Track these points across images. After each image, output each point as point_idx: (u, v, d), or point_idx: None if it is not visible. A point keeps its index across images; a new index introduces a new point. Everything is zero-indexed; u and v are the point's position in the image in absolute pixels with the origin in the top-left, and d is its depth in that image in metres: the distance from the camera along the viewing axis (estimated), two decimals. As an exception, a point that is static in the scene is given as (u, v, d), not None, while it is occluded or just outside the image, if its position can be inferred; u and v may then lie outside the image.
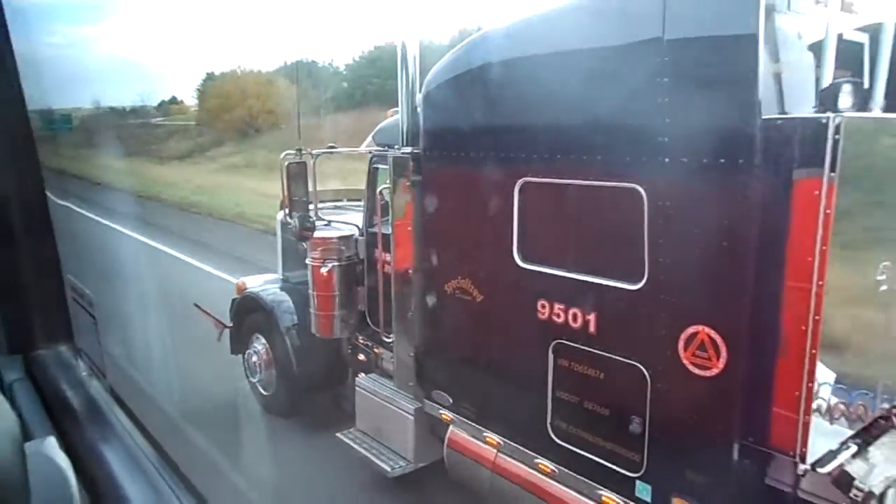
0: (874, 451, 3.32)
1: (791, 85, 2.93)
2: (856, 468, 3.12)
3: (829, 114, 2.54)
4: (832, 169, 2.54)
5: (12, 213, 2.08)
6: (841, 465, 3.10)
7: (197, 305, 7.16)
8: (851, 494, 3.05)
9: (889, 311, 3.13)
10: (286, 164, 5.20)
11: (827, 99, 2.57)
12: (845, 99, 2.56)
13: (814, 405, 2.90)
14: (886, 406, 3.53)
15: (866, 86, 4.17)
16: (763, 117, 2.63)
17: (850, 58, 3.90)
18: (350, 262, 5.61)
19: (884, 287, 3.06)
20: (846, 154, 2.61)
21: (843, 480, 3.09)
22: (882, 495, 3.14)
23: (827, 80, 2.99)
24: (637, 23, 2.96)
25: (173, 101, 45.78)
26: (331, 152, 5.67)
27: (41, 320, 2.21)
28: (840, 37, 3.90)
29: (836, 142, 2.52)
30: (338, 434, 5.61)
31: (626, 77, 3.02)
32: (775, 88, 2.84)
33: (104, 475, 1.52)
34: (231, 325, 7.11)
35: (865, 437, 3.35)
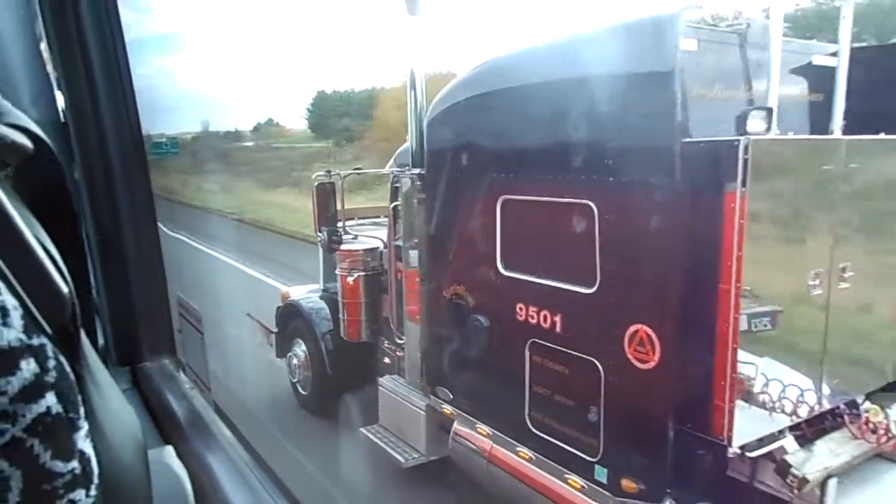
0: (821, 443, 3.59)
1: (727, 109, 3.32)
2: (795, 457, 3.42)
3: (740, 136, 2.92)
4: (744, 184, 2.92)
5: (125, 235, 2.15)
6: (782, 453, 3.42)
7: (249, 314, 7.92)
8: (788, 480, 3.36)
9: (823, 312, 3.42)
10: (316, 184, 5.85)
11: (740, 123, 2.95)
12: (756, 123, 2.92)
13: (751, 396, 3.25)
14: (843, 404, 3.80)
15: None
16: (684, 140, 3.03)
17: (823, 81, 4.23)
18: (375, 273, 6.20)
19: (817, 291, 3.37)
20: (771, 171, 2.99)
21: (781, 467, 3.40)
22: (823, 484, 3.43)
23: (773, 102, 3.37)
24: (585, 60, 3.43)
25: (270, 123, 44.77)
26: (358, 173, 6.30)
27: (147, 334, 2.26)
28: (810, 63, 4.26)
29: (745, 160, 2.90)
30: (362, 429, 6.17)
31: (578, 107, 3.48)
32: (704, 114, 3.24)
33: (212, 485, 1.55)
34: (276, 331, 7.82)
35: (815, 429, 3.63)
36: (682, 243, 3.12)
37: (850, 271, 3.48)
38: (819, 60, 4.23)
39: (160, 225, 2.30)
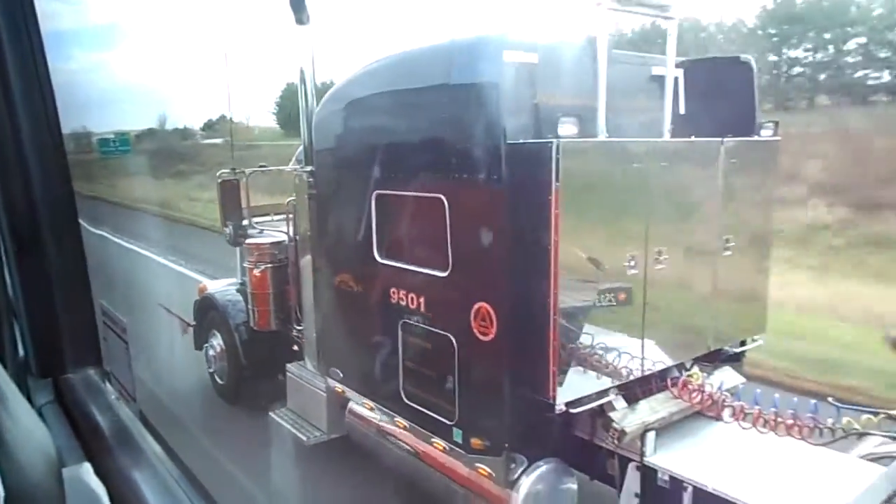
0: (644, 402, 4.17)
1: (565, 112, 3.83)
2: (618, 413, 3.99)
3: (552, 139, 3.44)
4: (557, 179, 3.44)
5: (45, 237, 2.06)
6: (610, 410, 3.98)
7: (162, 305, 8.15)
8: (610, 433, 3.92)
9: (639, 289, 3.99)
10: (220, 180, 6.17)
11: (553, 127, 3.46)
12: (566, 128, 3.44)
13: (582, 362, 3.79)
14: (675, 368, 4.39)
15: (682, 112, 5.10)
16: (508, 142, 3.53)
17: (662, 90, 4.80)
18: (281, 265, 6.56)
19: (633, 271, 3.93)
20: (582, 169, 3.53)
21: (605, 422, 3.97)
22: (643, 436, 3.99)
23: (601, 109, 3.90)
24: (434, 71, 3.90)
25: (222, 120, 42.87)
26: (263, 170, 6.64)
27: (70, 344, 2.17)
28: (652, 75, 4.82)
29: (557, 159, 3.42)
30: (271, 413, 6.53)
31: (427, 112, 3.95)
32: (534, 117, 3.75)
33: (136, 501, 1.51)
34: (194, 323, 8.07)
35: (644, 390, 4.21)
36: (512, 231, 3.63)
37: (665, 255, 4.06)
38: (657, 71, 4.81)
39: (83, 223, 2.22)
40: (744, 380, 4.65)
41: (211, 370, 7.85)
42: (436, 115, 3.91)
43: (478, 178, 3.69)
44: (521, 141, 3.54)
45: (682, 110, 5.08)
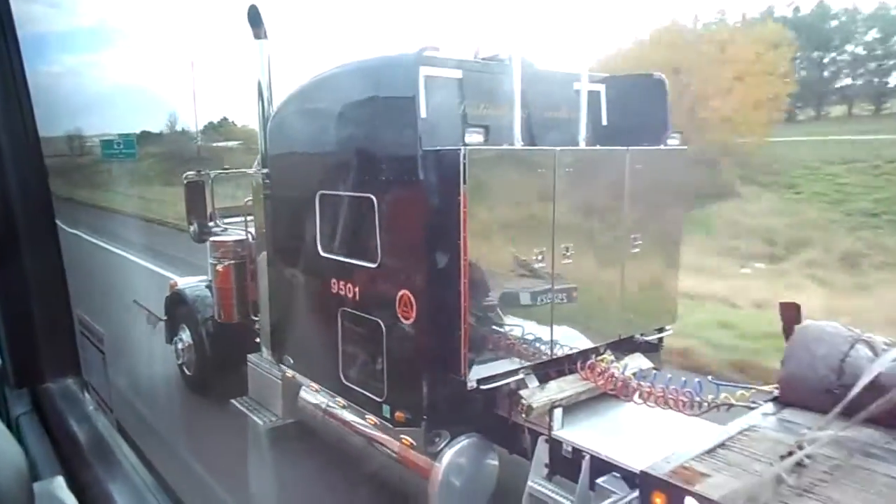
0: (554, 383, 4.66)
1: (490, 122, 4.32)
2: (528, 391, 4.47)
3: (460, 147, 3.93)
4: (465, 182, 3.93)
5: (22, 245, 2.03)
6: (522, 387, 4.46)
7: (136, 301, 8.57)
8: (518, 408, 4.40)
9: (548, 282, 4.48)
10: (185, 181, 6.63)
11: (462, 136, 3.95)
12: (473, 137, 3.93)
13: (497, 346, 4.27)
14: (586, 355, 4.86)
15: (604, 123, 5.62)
16: (424, 149, 4.02)
17: (591, 102, 5.31)
18: (242, 261, 7.01)
19: (540, 265, 4.43)
20: (489, 173, 4.02)
21: (515, 399, 4.45)
22: (550, 412, 4.47)
23: (517, 119, 4.39)
24: (364, 86, 4.40)
25: (224, 122, 40.53)
26: (226, 173, 7.10)
27: (49, 353, 2.15)
28: (578, 91, 5.29)
29: (464, 165, 3.90)
30: (232, 401, 6.96)
31: (360, 122, 4.44)
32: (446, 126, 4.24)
33: None
34: (165, 318, 8.50)
35: (553, 372, 4.69)
36: (428, 228, 4.12)
37: (572, 251, 4.56)
38: (578, 86, 5.32)
39: (60, 224, 2.19)
40: (652, 364, 5.13)
41: (180, 362, 8.27)
42: (366, 125, 4.40)
43: (399, 180, 4.19)
44: (435, 148, 4.03)
45: (604, 121, 5.62)
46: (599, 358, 4.86)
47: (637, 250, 5.03)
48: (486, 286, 4.21)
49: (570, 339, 4.75)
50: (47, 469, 1.64)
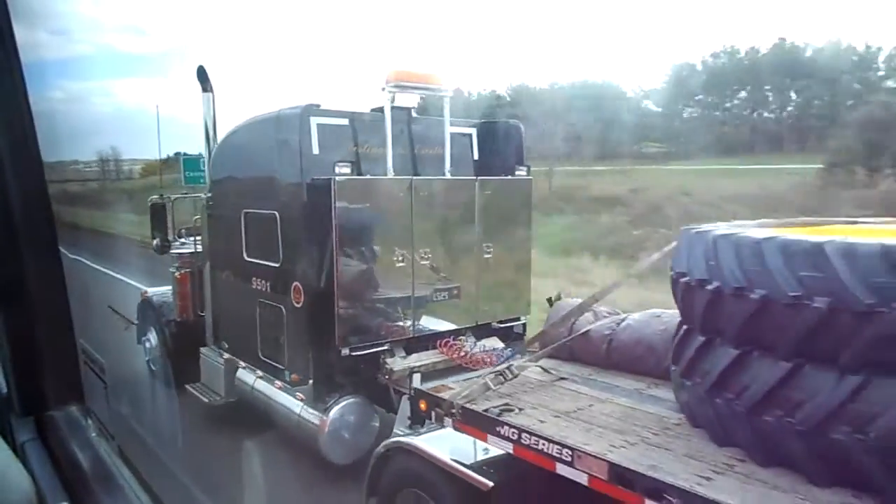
0: (415, 355, 6.10)
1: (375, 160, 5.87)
2: (393, 360, 5.92)
3: (332, 177, 5.45)
4: (336, 204, 5.43)
5: (27, 272, 2.05)
6: (387, 357, 5.90)
7: (110, 307, 10.01)
8: (383, 372, 5.85)
9: (408, 277, 5.96)
10: (150, 203, 8.16)
11: (333, 169, 5.46)
12: (341, 169, 5.45)
13: (359, 322, 5.72)
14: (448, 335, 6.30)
15: (475, 158, 7.15)
16: (308, 180, 5.54)
17: (463, 144, 6.86)
18: (196, 269, 8.48)
19: (401, 264, 5.91)
20: (357, 197, 5.54)
21: (382, 366, 5.90)
22: (410, 376, 5.90)
23: (389, 157, 5.92)
24: (271, 129, 5.95)
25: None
26: (184, 197, 8.63)
27: (53, 382, 2.18)
28: (451, 134, 6.81)
29: (335, 191, 5.41)
30: (187, 386, 8.37)
31: (267, 158, 5.99)
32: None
33: None
34: (136, 322, 9.94)
35: (419, 347, 6.12)
36: (311, 237, 5.62)
37: (429, 254, 6.05)
38: (452, 130, 6.86)
39: (62, 250, 2.22)
40: (503, 345, 6.57)
41: (147, 359, 9.69)
42: (271, 160, 5.95)
43: (292, 201, 5.71)
44: (315, 178, 5.55)
45: (475, 157, 7.18)
46: (459, 338, 6.31)
47: (489, 256, 6.53)
48: (358, 279, 5.70)
49: (431, 323, 6.21)
50: (53, 495, 1.67)
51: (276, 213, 5.95)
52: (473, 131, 7.19)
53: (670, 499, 2.79)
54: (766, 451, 2.95)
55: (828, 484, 2.72)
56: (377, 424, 6.17)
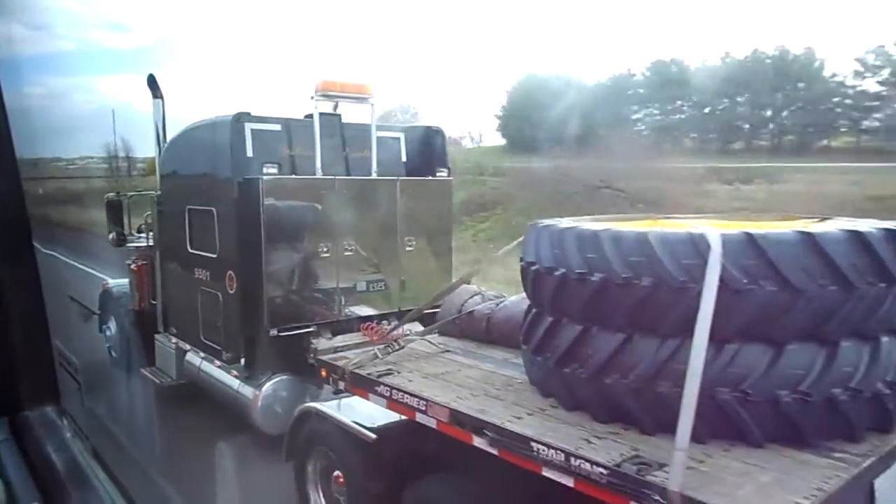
0: (340, 336, 6.80)
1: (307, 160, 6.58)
2: (318, 341, 6.62)
3: (259, 176, 6.15)
4: (264, 201, 6.13)
5: (1, 275, 2.03)
6: (314, 338, 6.60)
7: (71, 297, 10.60)
8: (309, 352, 6.56)
9: (334, 266, 6.68)
10: (106, 200, 8.79)
11: (261, 170, 6.16)
12: (269, 169, 6.15)
13: (286, 307, 6.42)
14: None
15: (404, 160, 7.86)
16: (240, 178, 6.24)
17: (393, 147, 7.58)
18: (150, 261, 9.12)
19: (325, 255, 6.63)
20: (283, 195, 6.24)
21: (307, 346, 6.61)
22: (333, 352, 6.62)
23: (318, 158, 6.62)
24: (209, 133, 6.64)
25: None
26: (140, 194, 9.28)
27: (27, 382, 2.17)
28: (381, 139, 7.50)
29: (262, 189, 6.11)
30: (142, 369, 9.01)
31: (206, 159, 6.67)
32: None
33: None
34: (98, 312, 10.55)
35: (343, 329, 6.83)
36: (243, 230, 6.32)
37: (352, 246, 6.78)
38: (381, 134, 7.58)
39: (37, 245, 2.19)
40: (422, 328, 7.31)
41: (108, 346, 10.31)
42: (209, 161, 6.63)
43: (226, 198, 6.41)
44: (248, 177, 6.25)
45: (404, 159, 7.91)
46: (382, 322, 7.03)
47: (411, 248, 7.27)
48: (285, 268, 6.41)
49: (358, 309, 6.93)
50: (25, 495, 1.66)
51: (213, 209, 6.63)
52: (402, 136, 7.92)
53: (487, 433, 3.55)
54: (608, 409, 3.46)
55: (658, 430, 3.22)
56: (308, 399, 6.87)
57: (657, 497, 2.76)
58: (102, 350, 10.43)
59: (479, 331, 5.30)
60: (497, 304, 5.29)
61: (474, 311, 5.35)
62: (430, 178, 7.47)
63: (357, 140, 7.39)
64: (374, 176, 7.18)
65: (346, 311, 6.87)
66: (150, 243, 8.89)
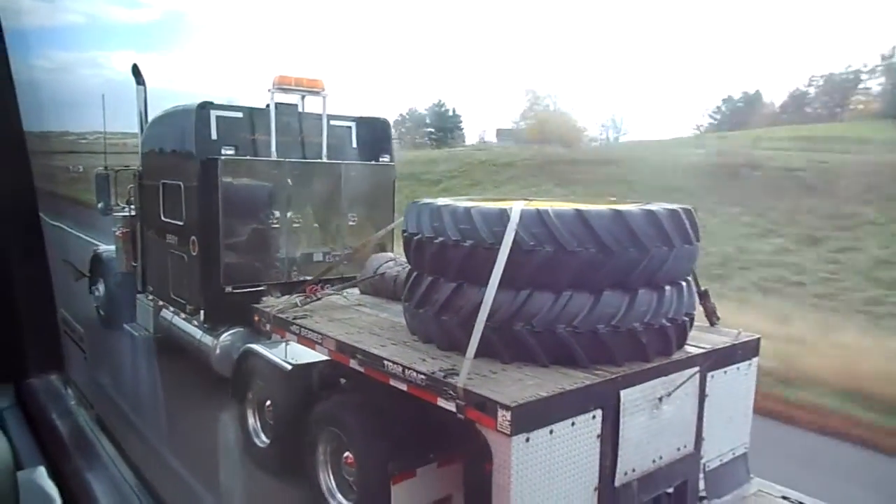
0: (287, 296, 7.97)
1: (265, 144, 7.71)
2: (266, 298, 7.79)
3: (218, 156, 7.28)
4: (223, 178, 7.27)
5: (5, 240, 2.06)
6: (264, 296, 7.77)
7: (65, 260, 11.78)
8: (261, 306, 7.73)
9: (284, 236, 7.83)
10: (95, 173, 9.96)
11: (221, 151, 7.28)
12: (227, 150, 7.28)
13: (241, 268, 7.59)
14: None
15: (354, 146, 8.99)
16: (202, 158, 7.37)
17: (344, 135, 8.70)
18: (133, 228, 10.27)
19: (275, 226, 7.78)
20: (239, 173, 7.38)
21: (257, 302, 7.78)
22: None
23: (273, 141, 7.76)
24: (181, 117, 7.77)
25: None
26: (125, 169, 10.42)
27: (33, 350, 2.19)
28: (331, 126, 8.61)
29: (220, 167, 7.25)
30: (125, 325, 10.21)
31: (176, 140, 7.82)
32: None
33: (88, 502, 1.59)
34: (89, 274, 11.74)
35: (291, 289, 7.99)
36: (204, 202, 7.46)
37: (299, 219, 7.92)
38: (335, 123, 8.68)
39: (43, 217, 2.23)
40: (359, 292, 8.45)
41: (96, 305, 11.52)
42: (179, 142, 7.78)
43: (191, 174, 7.55)
44: (208, 157, 7.39)
45: (354, 146, 9.03)
46: (327, 285, 8.18)
47: (353, 223, 8.40)
48: (239, 235, 7.56)
49: (303, 271, 8.09)
50: (30, 459, 1.72)
51: (181, 183, 7.78)
52: (353, 125, 9.03)
53: (358, 356, 4.71)
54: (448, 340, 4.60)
55: (513, 360, 4.19)
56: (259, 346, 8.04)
57: (451, 392, 3.91)
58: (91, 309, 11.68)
59: (389, 290, 6.44)
60: (403, 268, 6.43)
61: (385, 273, 6.49)
62: (374, 162, 8.58)
63: (314, 128, 8.49)
64: (323, 160, 8.29)
65: (294, 275, 8.02)
66: (132, 213, 10.06)
